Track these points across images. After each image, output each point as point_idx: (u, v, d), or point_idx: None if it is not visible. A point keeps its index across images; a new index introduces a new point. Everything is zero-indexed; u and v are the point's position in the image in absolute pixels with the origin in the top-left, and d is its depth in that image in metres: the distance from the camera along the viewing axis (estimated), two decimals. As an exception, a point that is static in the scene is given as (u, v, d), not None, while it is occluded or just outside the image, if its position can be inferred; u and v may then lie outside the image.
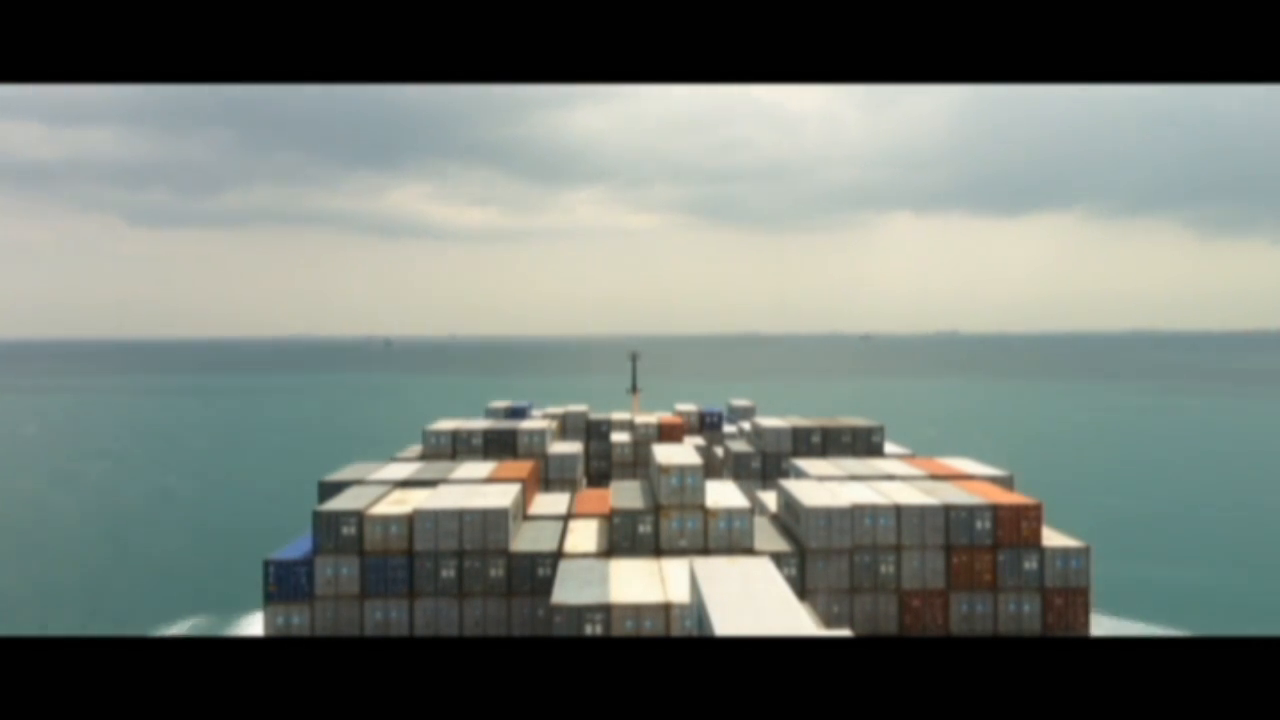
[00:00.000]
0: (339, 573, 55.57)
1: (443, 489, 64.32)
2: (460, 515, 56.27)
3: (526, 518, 64.07)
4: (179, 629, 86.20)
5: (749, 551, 53.87)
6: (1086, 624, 54.54)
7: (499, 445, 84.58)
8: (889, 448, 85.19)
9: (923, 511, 55.24)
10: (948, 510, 55.26)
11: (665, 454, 61.00)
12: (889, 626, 54.25)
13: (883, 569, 54.75)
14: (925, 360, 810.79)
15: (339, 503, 59.85)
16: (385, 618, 55.25)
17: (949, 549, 54.93)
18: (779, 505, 63.75)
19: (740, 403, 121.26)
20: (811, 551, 54.74)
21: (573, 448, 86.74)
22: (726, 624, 29.75)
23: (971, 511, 55.30)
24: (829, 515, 55.01)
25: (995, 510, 55.28)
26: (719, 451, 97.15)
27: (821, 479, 66.38)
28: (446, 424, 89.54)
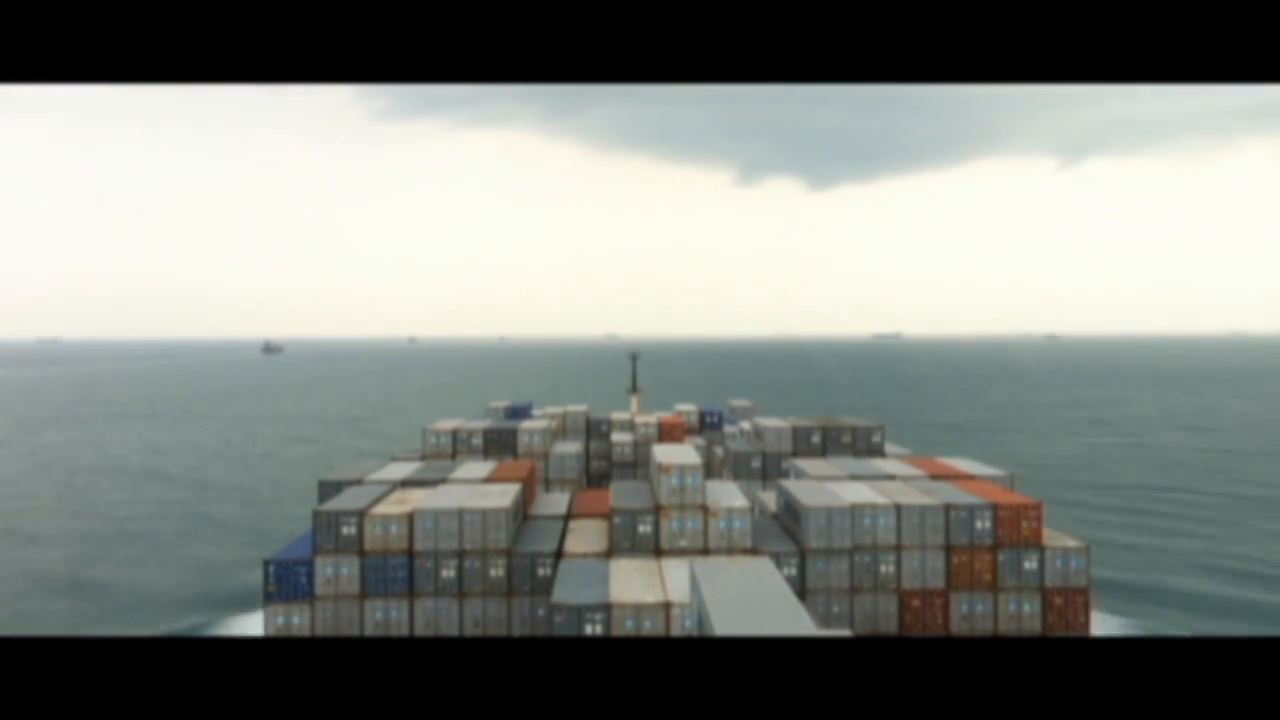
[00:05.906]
0: (339, 572, 55.59)
1: (443, 489, 64.33)
2: (460, 515, 56.28)
3: (526, 518, 64.08)
4: (179, 629, 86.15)
5: (749, 551, 53.89)
6: (1086, 624, 54.57)
7: (499, 445, 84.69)
8: (889, 448, 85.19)
9: (923, 511, 55.24)
10: (948, 510, 55.26)
11: (665, 454, 61.02)
12: (889, 626, 54.26)
13: (883, 569, 54.76)
14: None
15: (339, 502, 59.86)
16: (385, 618, 55.27)
17: (949, 549, 54.93)
18: (779, 505, 63.74)
19: (740, 403, 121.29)
20: (811, 551, 54.74)
21: (573, 448, 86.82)
22: (726, 624, 29.71)
23: (971, 511, 55.31)
24: (829, 515, 55.02)
25: (995, 510, 55.27)
26: (719, 451, 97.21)
27: (821, 479, 66.39)
28: (446, 424, 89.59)
